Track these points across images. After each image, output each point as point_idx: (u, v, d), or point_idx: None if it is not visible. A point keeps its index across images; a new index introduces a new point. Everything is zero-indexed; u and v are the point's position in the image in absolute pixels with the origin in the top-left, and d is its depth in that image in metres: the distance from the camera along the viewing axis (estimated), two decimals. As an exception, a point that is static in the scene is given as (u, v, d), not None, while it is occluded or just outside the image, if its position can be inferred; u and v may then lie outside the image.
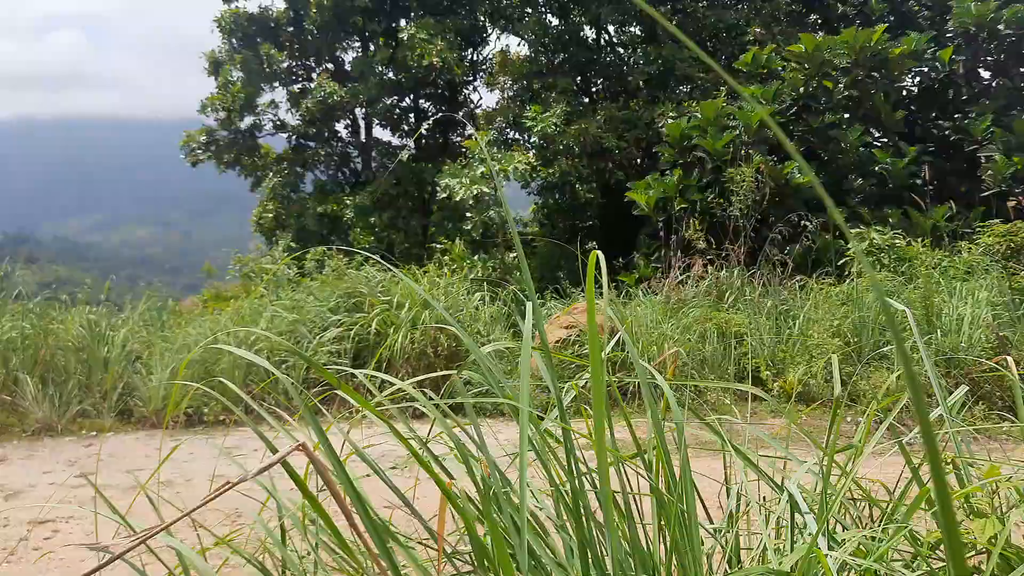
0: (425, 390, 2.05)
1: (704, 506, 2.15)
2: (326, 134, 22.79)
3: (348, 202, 20.93)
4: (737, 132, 13.65)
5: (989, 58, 15.45)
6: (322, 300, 10.41)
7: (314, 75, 22.20)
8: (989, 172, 13.36)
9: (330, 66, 22.60)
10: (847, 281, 10.22)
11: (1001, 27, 14.29)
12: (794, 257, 11.61)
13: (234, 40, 21.83)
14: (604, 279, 1.79)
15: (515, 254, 14.61)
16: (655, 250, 13.95)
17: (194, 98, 22.98)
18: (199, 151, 22.30)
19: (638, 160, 17.22)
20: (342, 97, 19.88)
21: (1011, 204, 11.38)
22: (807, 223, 12.23)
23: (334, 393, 1.93)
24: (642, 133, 16.82)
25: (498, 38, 22.05)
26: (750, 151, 13.28)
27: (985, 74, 16.05)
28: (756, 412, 8.59)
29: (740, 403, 9.15)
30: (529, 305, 1.69)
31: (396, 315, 9.78)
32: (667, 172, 14.44)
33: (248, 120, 22.54)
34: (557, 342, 9.34)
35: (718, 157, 13.56)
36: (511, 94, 20.78)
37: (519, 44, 21.73)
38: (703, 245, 11.87)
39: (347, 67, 22.40)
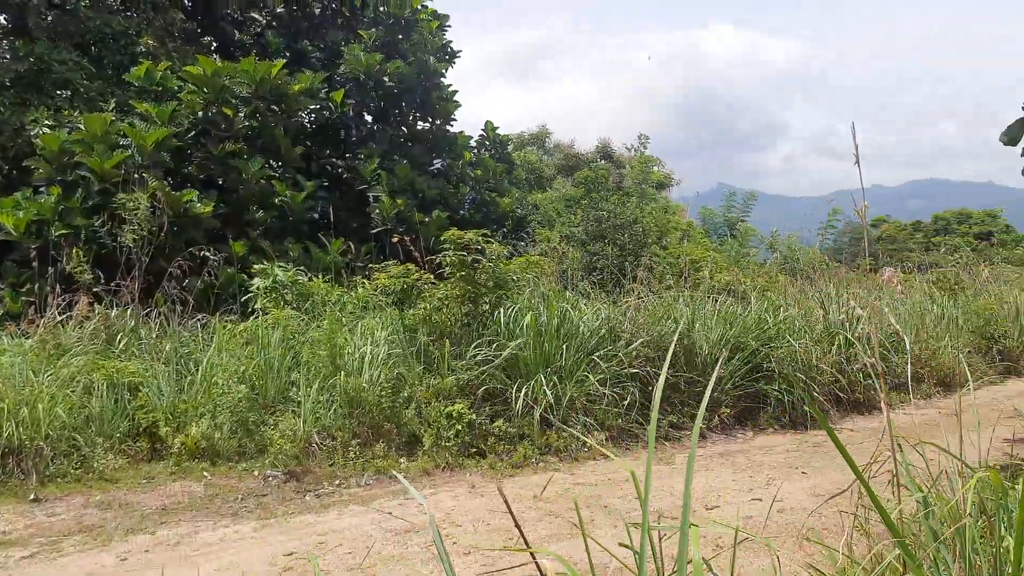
0: None
1: None
2: None
3: None
4: (130, 152, 12.25)
5: (373, 104, 16.83)
6: None
7: None
8: (377, 211, 14.45)
9: None
10: (252, 318, 9.80)
11: (385, 79, 15.65)
12: (195, 293, 10.79)
13: None
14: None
15: None
16: (27, 281, 11.67)
17: None
18: None
19: (4, 172, 14.32)
20: None
21: (395, 240, 12.35)
22: (209, 255, 11.51)
23: None
24: (9, 140, 14.05)
25: None
26: (144, 174, 12.04)
27: (370, 119, 17.48)
28: (155, 476, 7.54)
29: (137, 465, 7.96)
30: None
31: None
32: (43, 190, 12.27)
33: None
34: None
35: (107, 178, 12.00)
36: None
37: None
38: (89, 278, 10.26)
39: None
